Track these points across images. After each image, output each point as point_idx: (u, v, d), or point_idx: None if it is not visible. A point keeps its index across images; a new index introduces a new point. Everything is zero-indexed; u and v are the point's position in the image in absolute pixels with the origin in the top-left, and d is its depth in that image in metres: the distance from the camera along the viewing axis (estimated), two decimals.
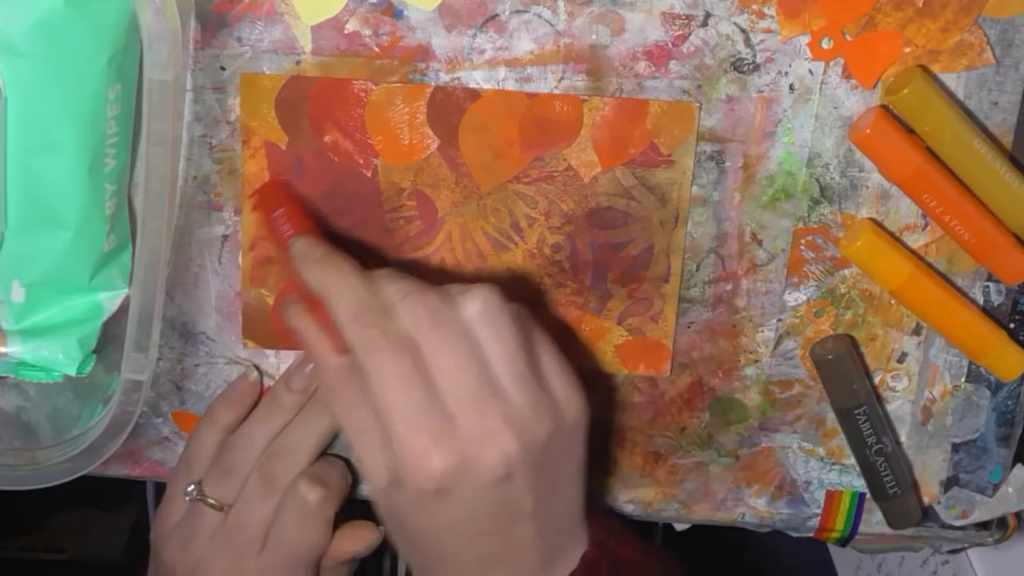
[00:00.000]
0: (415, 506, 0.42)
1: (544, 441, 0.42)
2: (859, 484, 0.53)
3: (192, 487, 0.49)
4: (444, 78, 0.46)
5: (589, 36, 0.46)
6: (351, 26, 0.45)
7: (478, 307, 0.42)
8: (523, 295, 0.50)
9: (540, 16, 0.45)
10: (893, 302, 0.50)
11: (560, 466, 0.44)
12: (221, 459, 0.49)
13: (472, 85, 0.46)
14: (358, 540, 0.50)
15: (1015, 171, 0.47)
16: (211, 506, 0.48)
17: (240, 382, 0.50)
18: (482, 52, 0.46)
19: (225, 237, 0.49)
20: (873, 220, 0.49)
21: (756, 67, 0.46)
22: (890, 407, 0.52)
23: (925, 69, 0.46)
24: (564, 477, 0.44)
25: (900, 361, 0.51)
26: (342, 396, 0.43)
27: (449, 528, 0.43)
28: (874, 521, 0.55)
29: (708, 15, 0.45)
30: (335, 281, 0.42)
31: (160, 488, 0.59)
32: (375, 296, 0.42)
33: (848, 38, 0.46)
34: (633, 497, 0.54)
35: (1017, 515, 0.56)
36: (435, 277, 0.49)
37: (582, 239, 0.49)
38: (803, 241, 0.49)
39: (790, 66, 0.46)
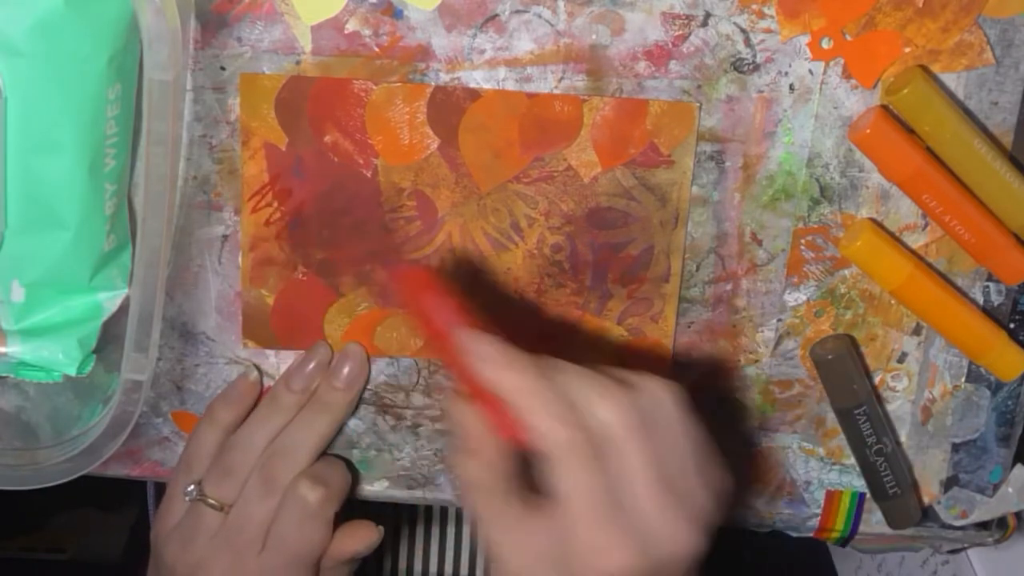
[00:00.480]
0: None
1: (713, 529, 0.42)
2: (859, 484, 0.53)
3: (192, 487, 0.49)
4: (444, 78, 0.46)
5: (589, 36, 0.46)
6: (351, 26, 0.45)
7: (656, 403, 0.41)
8: (523, 295, 0.50)
9: (540, 16, 0.45)
10: (893, 302, 0.50)
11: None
12: (221, 459, 0.49)
13: (472, 85, 0.46)
14: (358, 539, 0.50)
15: (1015, 171, 0.47)
16: (211, 506, 0.48)
17: (240, 382, 0.50)
18: (482, 52, 0.46)
19: (225, 237, 0.49)
20: (873, 220, 0.49)
21: (756, 67, 0.46)
22: (890, 407, 0.52)
23: (925, 69, 0.46)
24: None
25: (900, 361, 0.51)
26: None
27: None
28: (874, 521, 0.55)
29: (708, 15, 0.45)
30: (525, 385, 0.41)
31: (160, 488, 0.59)
32: (563, 395, 0.41)
33: (848, 38, 0.46)
34: None
35: (1017, 515, 0.56)
36: None
37: (582, 239, 0.49)
38: (803, 241, 0.49)
39: (790, 66, 0.46)
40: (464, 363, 0.42)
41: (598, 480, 0.40)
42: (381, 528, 0.50)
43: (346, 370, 0.50)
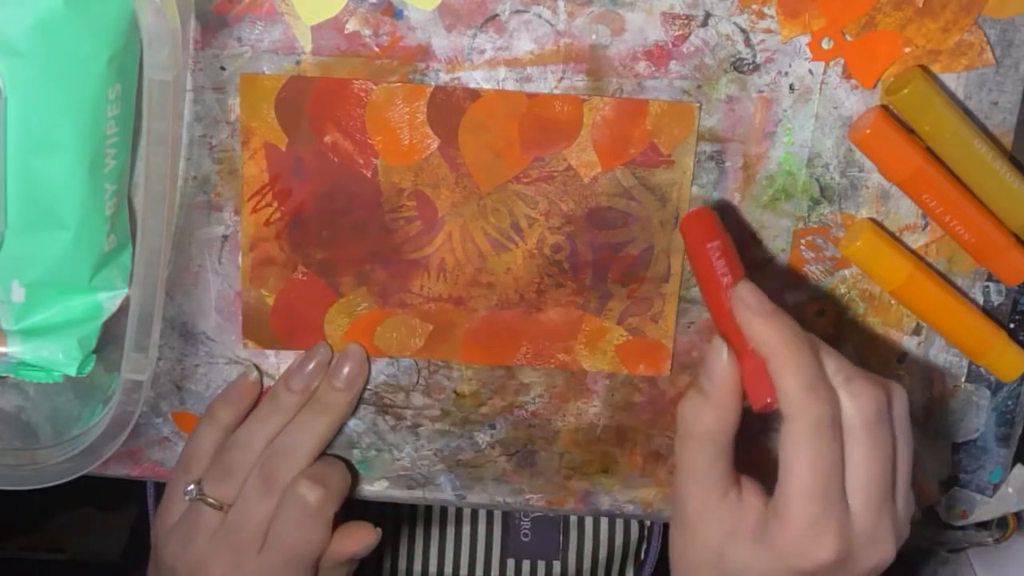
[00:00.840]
0: (770, 571, 0.41)
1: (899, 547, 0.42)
2: None
3: (192, 486, 0.49)
4: (444, 78, 0.46)
5: (589, 36, 0.46)
6: (351, 26, 0.45)
7: (901, 407, 0.42)
8: (523, 295, 0.50)
9: (540, 16, 0.45)
10: (893, 302, 0.50)
11: None
12: (221, 459, 0.49)
13: (472, 85, 0.46)
14: (357, 540, 0.50)
15: (1015, 171, 0.47)
16: (211, 505, 0.48)
17: (240, 382, 0.50)
18: (482, 52, 0.46)
19: (225, 237, 0.49)
20: (873, 220, 0.49)
21: (756, 67, 0.46)
22: None
23: (925, 69, 0.46)
24: None
25: (900, 361, 0.51)
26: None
27: None
28: None
29: (708, 15, 0.45)
30: (788, 342, 0.41)
31: (160, 488, 0.59)
32: (822, 369, 0.41)
33: (848, 38, 0.46)
34: (633, 497, 0.54)
35: (1017, 515, 0.56)
36: (435, 277, 0.49)
37: (582, 239, 0.49)
38: (803, 241, 0.49)
39: (790, 66, 0.46)
40: (737, 315, 0.42)
41: (830, 461, 0.40)
42: (379, 530, 0.50)
43: (346, 370, 0.50)
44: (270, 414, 0.50)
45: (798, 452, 0.40)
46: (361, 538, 0.50)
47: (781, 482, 0.41)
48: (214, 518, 0.48)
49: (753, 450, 0.53)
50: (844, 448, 0.40)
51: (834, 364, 0.41)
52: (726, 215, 0.47)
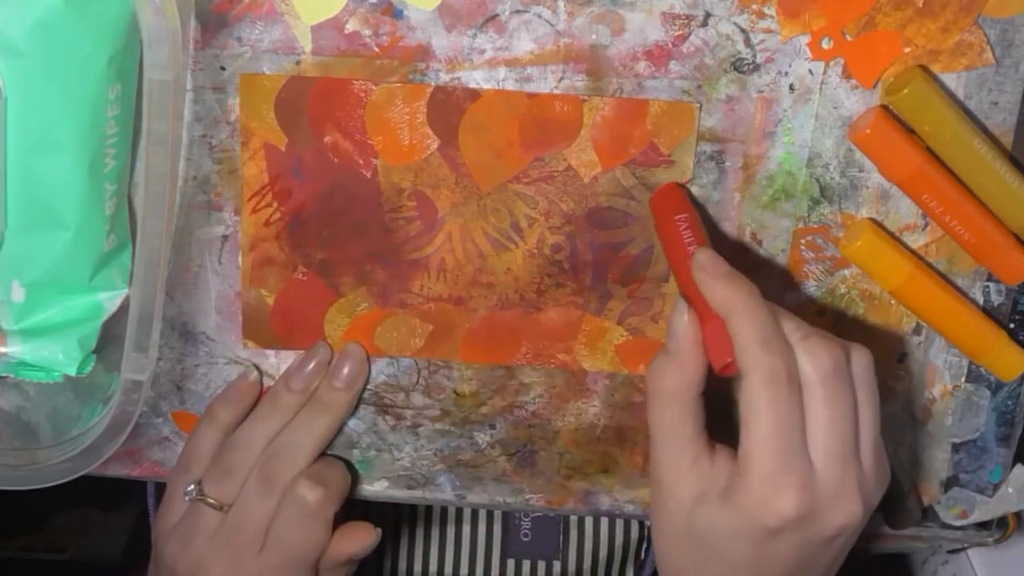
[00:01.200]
0: (738, 534, 0.42)
1: (872, 510, 0.43)
2: None
3: (192, 486, 0.49)
4: (444, 78, 0.46)
5: (589, 36, 0.46)
6: (351, 26, 0.45)
7: (863, 366, 0.42)
8: (523, 295, 0.50)
9: (540, 16, 0.45)
10: (893, 302, 0.50)
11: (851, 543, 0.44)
12: (221, 459, 0.49)
13: (472, 85, 0.46)
14: (356, 541, 0.50)
15: (1015, 171, 0.47)
16: (211, 505, 0.48)
17: (240, 382, 0.50)
18: (482, 52, 0.46)
19: (225, 237, 0.49)
20: (873, 220, 0.49)
21: (756, 67, 0.46)
22: (890, 407, 0.52)
23: (925, 69, 0.46)
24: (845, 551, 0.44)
25: (900, 361, 0.51)
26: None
27: (753, 561, 0.42)
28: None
29: (708, 15, 0.45)
30: (743, 300, 0.42)
31: (160, 488, 0.59)
32: (778, 326, 0.42)
33: (848, 38, 0.46)
34: (633, 497, 0.54)
35: (1017, 515, 0.56)
36: (435, 277, 0.49)
37: (582, 239, 0.49)
38: (803, 241, 0.49)
39: (790, 66, 0.46)
40: (696, 279, 0.43)
41: (788, 415, 0.40)
42: (379, 530, 0.50)
43: (346, 370, 0.50)
44: (270, 414, 0.50)
45: (756, 405, 0.40)
46: (360, 539, 0.50)
47: (742, 438, 0.41)
48: (214, 518, 0.48)
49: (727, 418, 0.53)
50: (805, 404, 0.41)
51: (791, 324, 0.42)
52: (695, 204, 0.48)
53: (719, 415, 0.43)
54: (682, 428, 0.42)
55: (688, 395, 0.42)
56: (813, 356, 0.41)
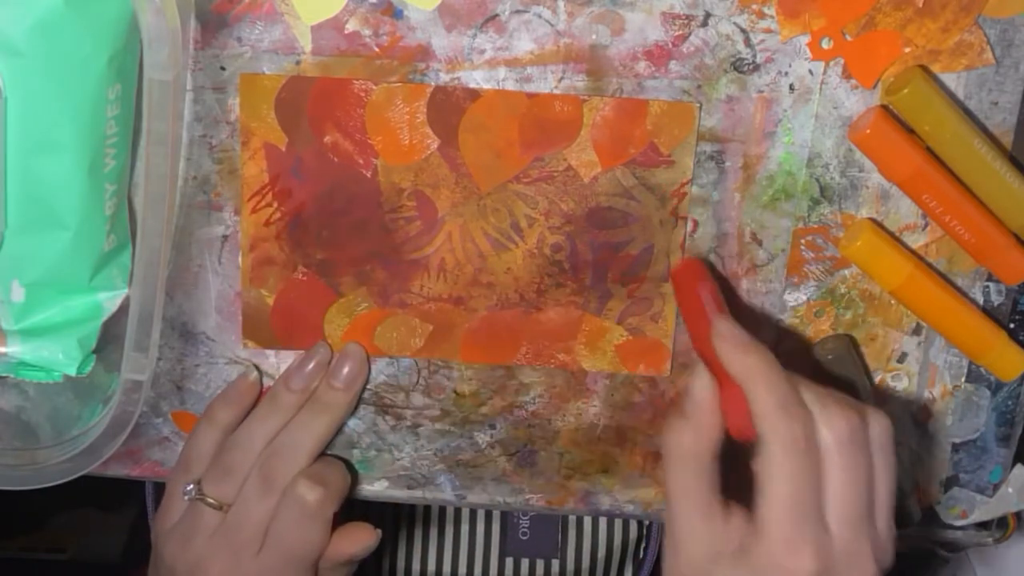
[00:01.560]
0: None
1: (885, 572, 0.43)
2: None
3: (191, 486, 0.49)
4: (444, 78, 0.46)
5: (589, 36, 0.46)
6: (351, 26, 0.45)
7: (880, 432, 0.43)
8: (523, 295, 0.50)
9: (540, 16, 0.45)
10: (893, 302, 0.50)
11: None
12: (220, 458, 0.49)
13: (472, 85, 0.46)
14: (355, 542, 0.50)
15: (1015, 171, 0.47)
16: (210, 505, 0.48)
17: (240, 382, 0.50)
18: (482, 52, 0.46)
19: (225, 237, 0.49)
20: (873, 220, 0.49)
21: (756, 67, 0.46)
22: (890, 407, 0.52)
23: (925, 69, 0.46)
24: None
25: (900, 361, 0.51)
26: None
27: None
28: None
29: (708, 15, 0.45)
30: (762, 368, 0.43)
31: (160, 488, 0.59)
32: (796, 393, 0.42)
33: (848, 38, 0.46)
34: (633, 497, 0.54)
35: (1017, 515, 0.56)
36: (435, 277, 0.49)
37: (582, 239, 0.49)
38: (803, 241, 0.49)
39: (790, 66, 0.46)
40: (716, 346, 0.44)
41: (805, 481, 0.41)
42: (379, 531, 0.50)
43: (345, 370, 0.50)
44: (269, 414, 0.50)
45: (773, 470, 0.41)
46: (360, 539, 0.50)
47: (759, 501, 0.41)
48: (213, 518, 0.48)
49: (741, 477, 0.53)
50: (822, 470, 0.41)
51: (810, 393, 0.43)
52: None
53: (732, 468, 0.44)
54: (697, 488, 0.43)
55: (705, 457, 0.43)
56: (831, 422, 0.42)
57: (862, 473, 0.42)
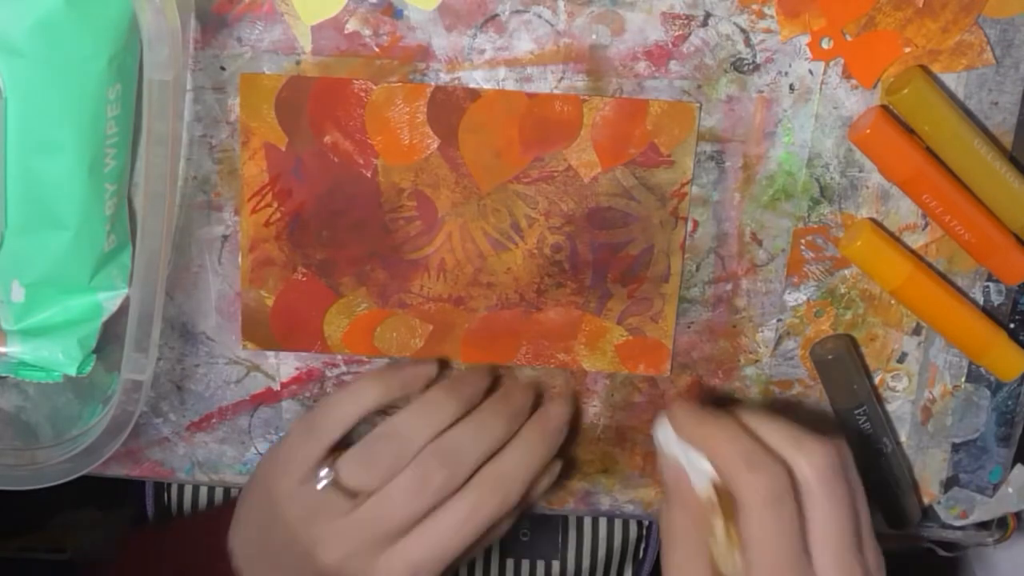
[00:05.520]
0: None
1: None
2: None
3: (327, 471, 0.46)
4: (444, 78, 0.46)
5: (589, 36, 0.46)
6: (351, 26, 0.45)
7: (850, 461, 0.43)
8: (523, 295, 0.50)
9: (540, 16, 0.45)
10: (893, 302, 0.50)
11: None
12: (371, 446, 0.47)
13: (472, 85, 0.46)
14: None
15: (1015, 171, 0.47)
16: (344, 493, 0.46)
17: (411, 369, 0.49)
18: (482, 52, 0.46)
19: (225, 237, 0.49)
20: (873, 220, 0.49)
21: (756, 67, 0.46)
22: (890, 407, 0.52)
23: (925, 69, 0.46)
24: None
25: (900, 361, 0.51)
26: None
27: None
28: (874, 521, 0.54)
29: (708, 15, 0.45)
30: (720, 433, 0.43)
31: (159, 488, 0.59)
32: (759, 445, 0.43)
33: (848, 38, 0.46)
34: (633, 497, 0.54)
35: (1017, 515, 0.56)
36: (435, 277, 0.49)
37: (582, 239, 0.49)
38: (803, 241, 0.49)
39: (790, 66, 0.46)
40: (676, 429, 0.45)
41: (786, 534, 0.41)
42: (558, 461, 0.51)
43: (561, 413, 0.50)
44: (435, 413, 0.47)
45: (753, 529, 0.41)
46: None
47: (745, 563, 0.42)
48: (344, 503, 0.46)
49: None
50: (805, 510, 0.42)
51: (783, 432, 0.43)
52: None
53: None
54: (692, 568, 0.43)
55: (694, 535, 0.44)
56: (809, 458, 0.42)
57: (847, 505, 0.42)
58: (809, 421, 0.47)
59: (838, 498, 0.42)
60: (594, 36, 0.46)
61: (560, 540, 0.60)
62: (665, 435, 0.45)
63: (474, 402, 0.49)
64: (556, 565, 0.61)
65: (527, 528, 0.61)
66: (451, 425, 0.47)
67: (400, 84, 0.46)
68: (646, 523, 0.64)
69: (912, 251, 0.49)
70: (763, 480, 0.41)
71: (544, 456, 0.49)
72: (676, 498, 0.44)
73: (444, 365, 0.50)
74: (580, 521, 0.61)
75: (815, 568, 0.41)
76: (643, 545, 0.63)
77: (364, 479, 0.46)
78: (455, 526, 0.46)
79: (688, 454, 0.44)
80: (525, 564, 0.60)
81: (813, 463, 0.42)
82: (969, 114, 0.47)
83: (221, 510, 0.52)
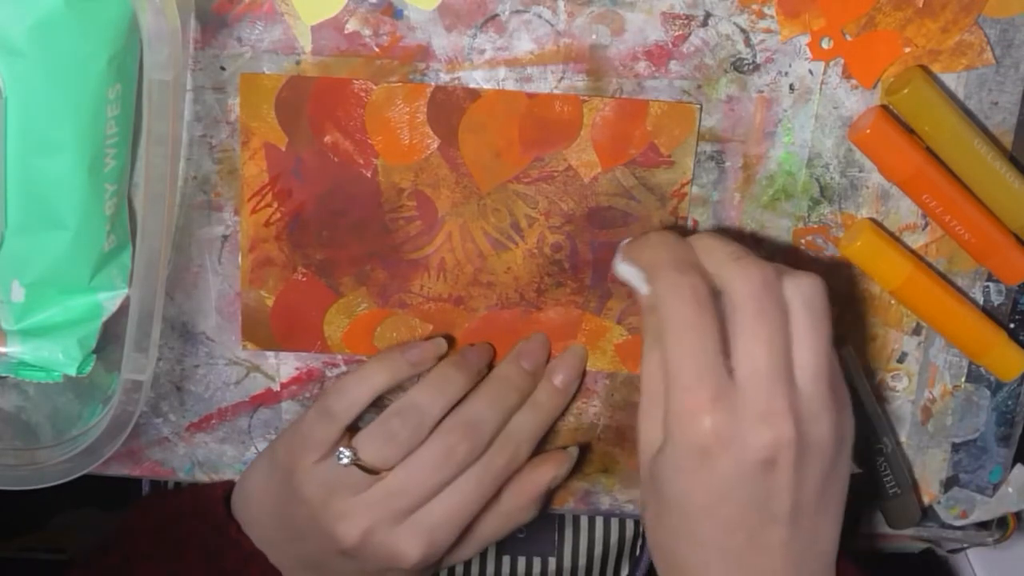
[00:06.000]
0: (676, 466, 0.41)
1: (817, 444, 0.41)
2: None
3: (346, 450, 0.47)
4: (444, 78, 0.46)
5: (589, 36, 0.46)
6: (351, 26, 0.45)
7: (806, 291, 0.41)
8: (523, 294, 0.50)
9: (540, 16, 0.45)
10: (893, 302, 0.50)
11: (823, 487, 0.42)
12: (387, 422, 0.47)
13: (472, 85, 0.46)
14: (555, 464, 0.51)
15: (1015, 171, 0.47)
16: (365, 470, 0.47)
17: (420, 349, 0.49)
18: (482, 52, 0.46)
19: (225, 237, 0.49)
20: (873, 220, 0.49)
21: (756, 67, 0.46)
22: (890, 407, 0.52)
23: (925, 69, 0.46)
24: (824, 503, 0.42)
25: (900, 361, 0.51)
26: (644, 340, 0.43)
27: (703, 503, 0.41)
28: (874, 521, 0.55)
29: (708, 15, 0.45)
30: (657, 241, 0.43)
31: (156, 487, 0.59)
32: (690, 252, 0.42)
33: (848, 38, 0.46)
34: (633, 497, 0.54)
35: (1017, 515, 0.56)
36: (435, 277, 0.49)
37: (582, 239, 0.49)
38: (803, 241, 0.49)
39: (790, 66, 0.46)
40: (616, 268, 0.45)
41: (701, 329, 0.40)
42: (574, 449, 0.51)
43: (567, 371, 0.50)
44: (445, 387, 0.48)
45: (669, 322, 0.41)
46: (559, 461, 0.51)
47: (665, 364, 0.41)
48: (364, 479, 0.47)
49: None
50: (731, 323, 0.41)
51: (727, 248, 0.42)
52: None
53: None
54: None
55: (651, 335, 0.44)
56: (742, 274, 0.41)
57: (773, 324, 0.40)
58: None
59: (761, 317, 0.40)
60: (594, 36, 0.46)
61: (557, 538, 0.60)
62: (616, 264, 0.45)
63: (482, 374, 0.50)
64: (553, 562, 0.61)
65: (524, 526, 0.61)
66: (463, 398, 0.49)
67: (400, 84, 0.46)
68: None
69: (912, 251, 0.49)
70: (682, 279, 0.41)
71: (552, 413, 0.50)
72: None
73: (450, 342, 0.50)
74: (577, 519, 0.61)
75: (736, 382, 0.40)
76: (639, 543, 0.63)
77: (384, 454, 0.47)
78: (469, 489, 0.48)
79: (637, 278, 0.44)
80: (522, 561, 0.60)
81: (743, 280, 0.41)
82: (969, 114, 0.47)
83: (214, 484, 0.53)
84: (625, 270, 0.44)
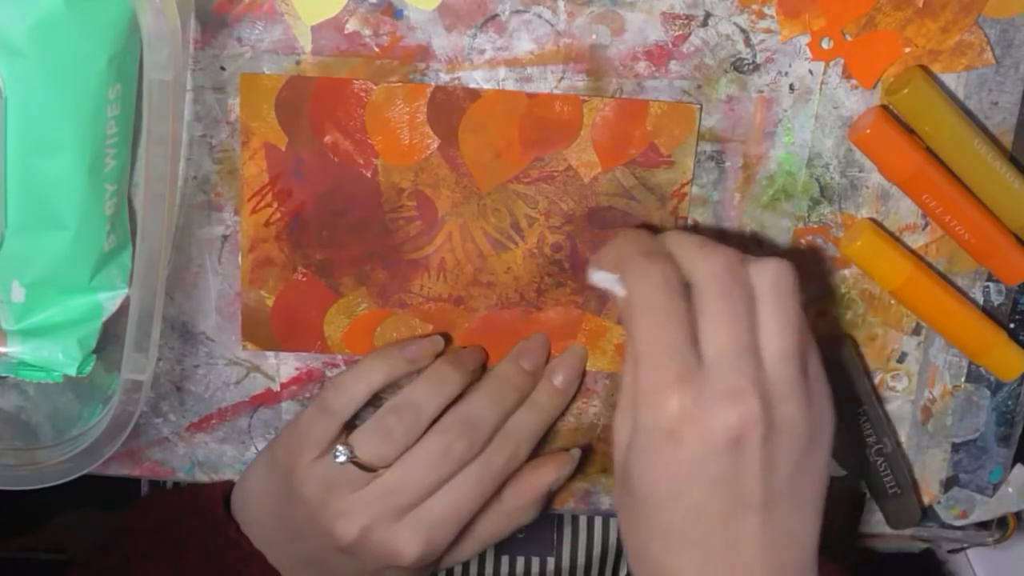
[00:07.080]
0: (644, 451, 0.41)
1: (786, 426, 0.40)
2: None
3: (343, 448, 0.47)
4: (444, 78, 0.46)
5: (589, 36, 0.46)
6: (351, 26, 0.45)
7: (771, 275, 0.41)
8: (523, 294, 0.50)
9: (540, 16, 0.45)
10: (893, 302, 0.50)
11: (795, 475, 0.41)
12: (384, 420, 0.47)
13: (472, 85, 0.46)
14: (556, 466, 0.51)
15: (1015, 171, 0.47)
16: (362, 468, 0.47)
17: (417, 346, 0.49)
18: (482, 52, 0.46)
19: (225, 237, 0.49)
20: (873, 220, 0.49)
21: (756, 67, 0.46)
22: (890, 407, 0.52)
23: (925, 69, 0.46)
24: (799, 494, 0.41)
25: (900, 361, 0.51)
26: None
27: (670, 490, 0.40)
28: (874, 521, 0.55)
29: (708, 15, 0.45)
30: (625, 238, 0.44)
31: (155, 487, 0.59)
32: (662, 246, 0.43)
33: (848, 38, 0.46)
34: None
35: (1017, 515, 0.56)
36: (435, 277, 0.49)
37: (582, 239, 0.49)
38: (803, 241, 0.49)
39: (790, 66, 0.46)
40: (600, 267, 0.45)
41: (668, 311, 0.40)
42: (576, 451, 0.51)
43: (566, 372, 0.50)
44: (441, 386, 0.48)
45: (635, 307, 0.41)
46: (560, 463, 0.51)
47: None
48: (361, 477, 0.47)
49: None
50: (696, 308, 0.41)
51: (695, 239, 0.43)
52: None
53: None
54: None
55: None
56: (706, 259, 0.41)
57: (737, 306, 0.40)
58: None
59: (726, 299, 0.40)
60: (594, 36, 0.46)
61: (555, 537, 0.60)
62: (590, 273, 0.45)
63: (478, 373, 0.50)
64: (551, 562, 0.61)
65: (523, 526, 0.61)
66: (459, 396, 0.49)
67: (400, 84, 0.46)
68: None
69: (912, 251, 0.49)
70: (651, 265, 0.41)
71: (551, 413, 0.50)
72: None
73: (449, 341, 0.50)
74: (576, 519, 0.61)
75: (703, 364, 0.40)
76: None
77: (381, 452, 0.47)
78: (467, 487, 0.48)
79: (611, 281, 0.44)
80: (520, 561, 0.60)
81: (708, 264, 0.41)
82: (969, 114, 0.47)
83: (213, 484, 0.53)
84: (600, 276, 0.44)
